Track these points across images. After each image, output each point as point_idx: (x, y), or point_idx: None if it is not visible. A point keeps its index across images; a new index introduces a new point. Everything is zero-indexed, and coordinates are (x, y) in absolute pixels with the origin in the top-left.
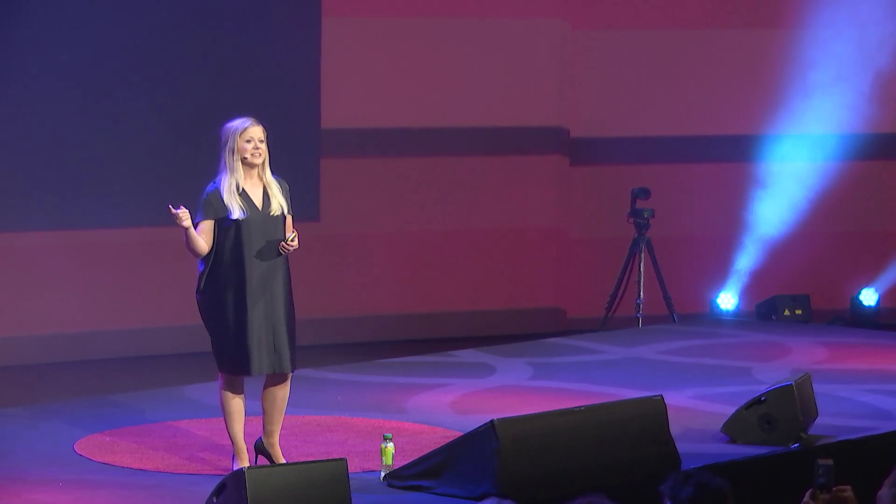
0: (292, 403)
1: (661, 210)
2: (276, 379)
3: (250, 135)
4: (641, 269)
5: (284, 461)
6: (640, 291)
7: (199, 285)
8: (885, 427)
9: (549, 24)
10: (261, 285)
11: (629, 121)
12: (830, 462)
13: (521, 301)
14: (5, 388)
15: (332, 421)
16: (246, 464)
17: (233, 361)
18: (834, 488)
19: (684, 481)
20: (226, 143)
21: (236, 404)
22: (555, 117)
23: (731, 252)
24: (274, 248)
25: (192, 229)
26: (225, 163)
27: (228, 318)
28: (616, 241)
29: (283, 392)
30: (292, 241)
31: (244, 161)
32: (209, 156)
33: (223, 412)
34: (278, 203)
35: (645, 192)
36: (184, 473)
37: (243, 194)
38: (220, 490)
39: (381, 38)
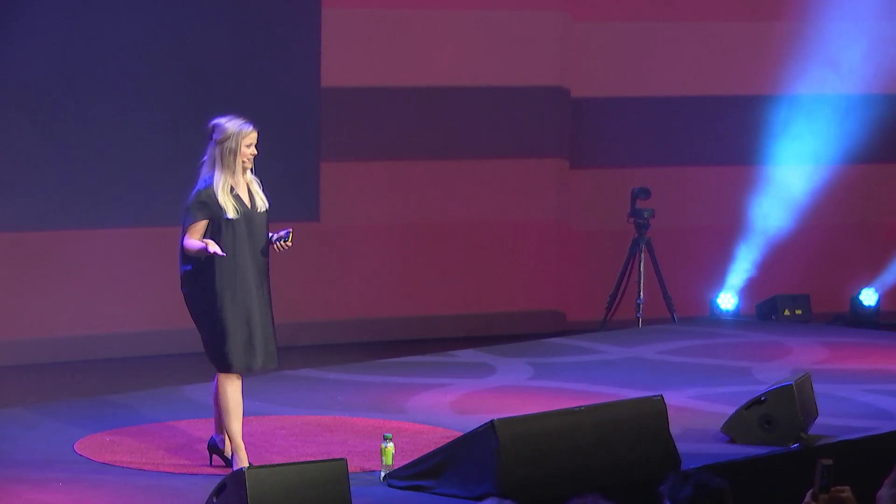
0: (292, 403)
1: (661, 210)
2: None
3: (252, 139)
4: (641, 269)
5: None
6: (640, 291)
7: (191, 285)
8: (885, 427)
9: (550, 16)
10: (253, 284)
11: (630, 80)
12: (830, 462)
13: (521, 304)
14: (5, 388)
15: (332, 421)
16: (245, 463)
17: (227, 359)
18: (833, 488)
19: (684, 481)
20: (224, 142)
21: (234, 402)
22: (556, 77)
23: (731, 252)
24: (263, 246)
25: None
26: (221, 161)
27: (222, 318)
28: (616, 241)
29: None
30: (289, 240)
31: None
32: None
33: (221, 411)
34: (261, 200)
35: (645, 192)
36: (184, 473)
37: (233, 193)
38: (220, 490)
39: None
